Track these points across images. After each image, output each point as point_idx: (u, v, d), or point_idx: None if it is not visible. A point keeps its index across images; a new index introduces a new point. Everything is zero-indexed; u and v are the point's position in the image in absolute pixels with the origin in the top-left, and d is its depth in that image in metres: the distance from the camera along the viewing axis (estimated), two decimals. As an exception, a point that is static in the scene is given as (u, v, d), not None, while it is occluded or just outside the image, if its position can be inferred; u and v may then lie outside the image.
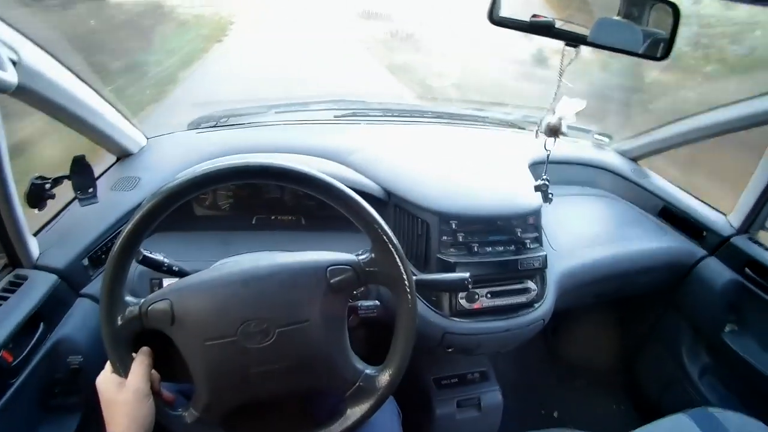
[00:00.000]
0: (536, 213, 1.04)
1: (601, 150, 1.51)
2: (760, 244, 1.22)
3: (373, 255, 0.65)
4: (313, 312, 0.63)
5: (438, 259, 0.96)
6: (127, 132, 1.05)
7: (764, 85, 1.12)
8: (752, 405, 1.20)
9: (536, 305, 1.02)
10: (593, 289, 1.26)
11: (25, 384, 0.74)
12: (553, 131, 0.93)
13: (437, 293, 0.97)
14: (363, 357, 0.68)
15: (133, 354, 0.62)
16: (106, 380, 0.61)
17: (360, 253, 0.66)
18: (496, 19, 0.86)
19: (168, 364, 0.66)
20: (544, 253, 1.02)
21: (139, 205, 0.60)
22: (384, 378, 0.66)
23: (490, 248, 0.99)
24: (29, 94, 0.73)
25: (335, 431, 0.65)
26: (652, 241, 1.30)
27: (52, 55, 0.79)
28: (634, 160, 1.49)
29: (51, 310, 0.81)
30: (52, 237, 0.90)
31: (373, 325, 0.85)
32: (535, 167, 1.18)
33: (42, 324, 0.79)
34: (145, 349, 0.63)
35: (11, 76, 0.65)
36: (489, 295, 0.98)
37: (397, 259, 0.63)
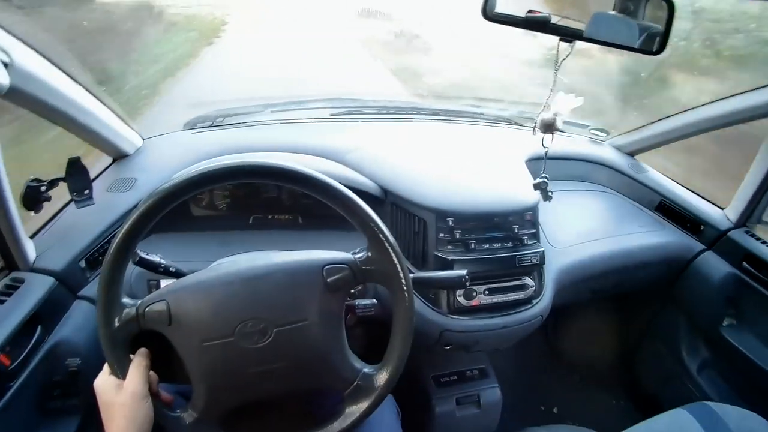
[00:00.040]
0: (533, 209, 1.04)
1: (597, 145, 1.51)
2: (758, 238, 1.22)
3: (369, 253, 0.65)
4: (311, 311, 0.63)
5: (435, 256, 0.96)
6: (123, 133, 1.05)
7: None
8: (751, 399, 1.21)
9: (534, 302, 1.02)
10: (591, 284, 1.26)
11: (23, 387, 0.73)
12: (548, 127, 0.92)
13: (435, 291, 0.97)
14: (361, 356, 0.68)
15: (131, 355, 0.62)
16: (104, 382, 0.61)
17: (356, 251, 0.66)
18: (490, 15, 0.85)
19: (166, 365, 0.66)
20: (542, 249, 1.02)
21: (135, 207, 0.59)
22: (382, 376, 0.66)
23: (488, 245, 0.99)
24: (22, 96, 0.72)
25: (334, 430, 0.65)
26: (649, 236, 1.30)
27: (44, 57, 0.78)
28: (631, 154, 1.49)
29: (48, 312, 0.81)
30: (49, 239, 0.89)
31: (371, 324, 0.85)
32: (532, 163, 1.18)
33: (39, 327, 0.79)
34: (142, 350, 0.63)
35: (3, 78, 0.65)
36: (487, 292, 0.98)
37: (394, 257, 0.63)
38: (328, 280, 0.63)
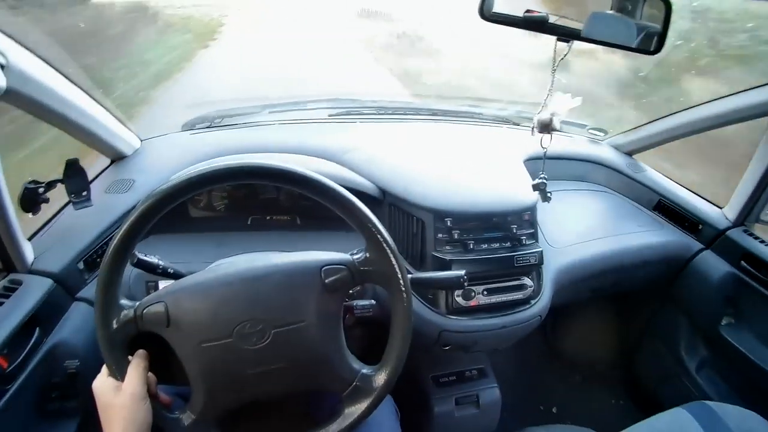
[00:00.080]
0: (532, 209, 1.04)
1: (595, 145, 1.51)
2: (756, 237, 1.23)
3: (367, 254, 0.65)
4: (309, 312, 0.63)
5: (433, 257, 0.96)
6: (121, 134, 1.05)
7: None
8: (750, 398, 1.21)
9: (533, 301, 1.02)
10: (590, 284, 1.27)
11: (21, 389, 0.73)
12: (546, 127, 0.92)
13: (433, 291, 0.97)
14: (359, 356, 0.68)
15: (130, 357, 0.62)
16: (102, 384, 0.61)
17: (354, 252, 0.66)
18: (487, 14, 0.85)
19: (164, 366, 0.66)
20: (540, 249, 1.02)
21: (133, 208, 0.59)
22: (381, 377, 0.66)
23: (486, 245, 0.99)
24: (18, 97, 0.72)
25: (333, 431, 0.65)
26: (648, 235, 1.30)
27: (41, 58, 0.78)
28: (629, 154, 1.49)
29: (47, 314, 0.81)
30: (47, 241, 0.89)
31: (370, 325, 0.85)
32: (531, 163, 1.18)
33: (38, 329, 0.78)
34: (141, 352, 0.63)
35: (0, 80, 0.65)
36: (485, 292, 0.98)
37: (392, 258, 0.63)
38: (327, 280, 0.63)
